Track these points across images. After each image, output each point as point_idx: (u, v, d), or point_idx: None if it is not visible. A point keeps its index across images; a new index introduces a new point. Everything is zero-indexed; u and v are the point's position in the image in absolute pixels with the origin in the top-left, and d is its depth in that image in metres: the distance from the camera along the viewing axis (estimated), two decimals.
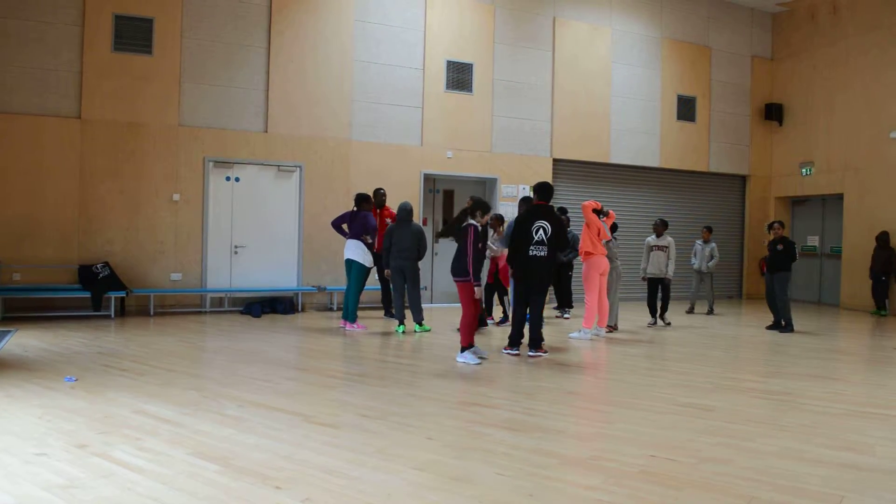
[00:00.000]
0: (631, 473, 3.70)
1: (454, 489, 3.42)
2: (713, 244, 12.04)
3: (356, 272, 8.88)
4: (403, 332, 8.73)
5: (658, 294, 10.47)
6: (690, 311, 12.10)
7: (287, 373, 6.35)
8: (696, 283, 12.23)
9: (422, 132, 12.16)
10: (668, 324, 10.35)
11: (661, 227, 10.54)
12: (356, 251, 8.86)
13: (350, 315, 8.94)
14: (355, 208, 9.06)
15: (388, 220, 9.68)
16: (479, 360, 6.79)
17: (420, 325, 8.86)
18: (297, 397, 5.37)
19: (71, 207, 9.87)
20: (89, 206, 9.96)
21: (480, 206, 6.97)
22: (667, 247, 10.39)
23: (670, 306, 10.87)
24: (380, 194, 9.96)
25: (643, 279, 10.56)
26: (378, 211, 9.89)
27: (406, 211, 8.76)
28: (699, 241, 12.18)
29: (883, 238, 12.53)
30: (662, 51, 14.40)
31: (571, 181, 13.63)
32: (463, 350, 6.83)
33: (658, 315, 10.44)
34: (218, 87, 10.72)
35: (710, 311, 12.00)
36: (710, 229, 12.20)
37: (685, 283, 13.10)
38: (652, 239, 10.56)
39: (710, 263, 11.94)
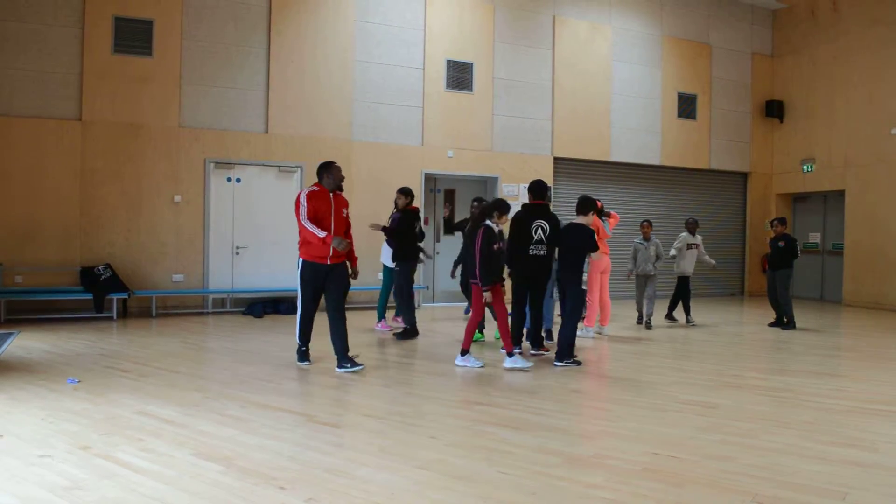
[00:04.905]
0: (634, 471, 3.70)
1: (457, 488, 3.42)
2: (657, 241, 9.90)
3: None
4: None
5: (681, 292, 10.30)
6: (648, 322, 9.80)
7: (289, 373, 6.35)
8: (639, 288, 10.00)
9: (422, 132, 12.16)
10: (693, 323, 10.20)
11: (693, 226, 10.44)
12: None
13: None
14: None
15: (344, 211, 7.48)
16: (481, 364, 6.62)
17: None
18: (300, 397, 5.38)
19: (72, 209, 9.87)
20: (91, 208, 9.97)
21: (499, 206, 6.72)
22: (698, 244, 10.36)
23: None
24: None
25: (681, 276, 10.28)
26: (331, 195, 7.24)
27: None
28: (638, 240, 9.94)
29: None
30: (663, 48, 14.38)
31: (572, 180, 13.61)
32: (463, 353, 6.64)
33: (687, 314, 10.26)
34: (218, 88, 10.72)
35: (648, 324, 9.77)
36: (650, 223, 10.01)
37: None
38: (687, 236, 10.32)
39: (657, 263, 9.83)
